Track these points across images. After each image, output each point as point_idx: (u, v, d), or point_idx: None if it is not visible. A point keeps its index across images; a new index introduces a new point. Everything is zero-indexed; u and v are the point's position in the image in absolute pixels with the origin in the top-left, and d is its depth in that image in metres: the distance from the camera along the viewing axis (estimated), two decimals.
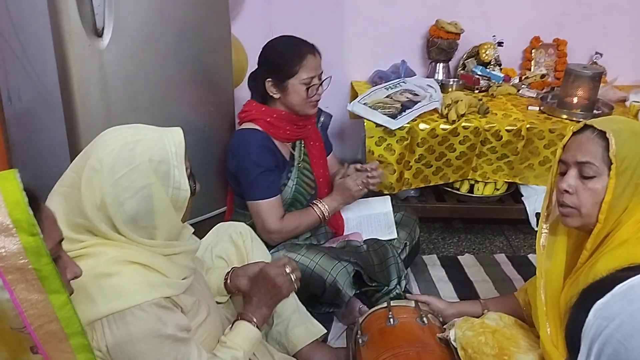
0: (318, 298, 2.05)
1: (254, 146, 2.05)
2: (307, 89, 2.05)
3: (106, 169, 1.22)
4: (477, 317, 1.70)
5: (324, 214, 2.14)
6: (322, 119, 2.35)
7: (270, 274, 1.57)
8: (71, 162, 2.05)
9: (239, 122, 2.17)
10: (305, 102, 2.08)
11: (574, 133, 1.42)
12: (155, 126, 1.33)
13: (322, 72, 2.11)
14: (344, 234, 2.33)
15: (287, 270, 1.58)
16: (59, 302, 0.98)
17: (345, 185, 2.16)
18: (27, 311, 0.94)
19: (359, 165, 2.23)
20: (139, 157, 1.23)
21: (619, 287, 0.74)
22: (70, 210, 1.24)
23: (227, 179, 2.20)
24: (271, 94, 2.09)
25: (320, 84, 2.10)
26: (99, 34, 1.90)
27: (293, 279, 1.59)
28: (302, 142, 2.22)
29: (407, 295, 2.01)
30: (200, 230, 1.59)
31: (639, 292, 0.73)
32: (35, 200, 0.99)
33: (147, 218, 1.25)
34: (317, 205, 2.15)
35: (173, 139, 1.29)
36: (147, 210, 1.24)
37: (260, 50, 2.13)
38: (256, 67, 2.15)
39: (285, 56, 2.05)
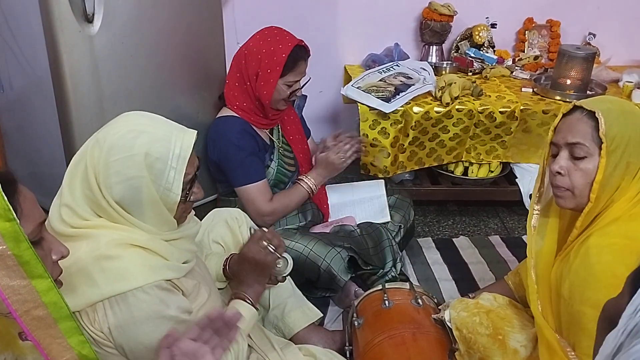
0: (314, 283, 2.06)
1: (234, 132, 2.06)
2: (289, 88, 2.06)
3: (105, 148, 1.23)
4: None
5: (311, 188, 2.15)
6: (296, 101, 2.34)
7: (249, 254, 1.57)
8: (64, 148, 2.07)
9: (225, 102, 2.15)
10: (281, 100, 2.08)
11: (564, 115, 1.42)
12: (175, 123, 1.33)
13: (305, 74, 2.12)
14: (337, 218, 2.33)
15: (264, 244, 1.58)
16: (43, 287, 0.97)
17: (329, 160, 2.15)
18: (10, 297, 0.94)
19: (334, 136, 2.21)
20: (138, 147, 1.23)
21: None
22: (83, 180, 1.26)
23: (209, 168, 2.18)
24: None
25: (301, 87, 2.13)
26: (89, 19, 1.88)
27: (272, 250, 1.58)
28: (279, 125, 2.24)
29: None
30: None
31: None
32: (12, 183, 0.97)
33: (134, 207, 1.26)
34: (303, 180, 2.15)
35: (182, 141, 1.28)
36: (135, 200, 1.25)
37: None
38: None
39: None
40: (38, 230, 1.02)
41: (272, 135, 2.20)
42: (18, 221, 0.93)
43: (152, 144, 1.25)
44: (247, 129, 2.09)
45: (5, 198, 0.92)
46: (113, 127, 1.28)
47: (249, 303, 1.53)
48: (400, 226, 2.33)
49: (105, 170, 1.23)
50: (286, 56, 2.00)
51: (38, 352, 1.01)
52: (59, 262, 1.08)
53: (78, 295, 1.20)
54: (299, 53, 2.05)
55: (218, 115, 2.15)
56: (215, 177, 2.20)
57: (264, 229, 1.70)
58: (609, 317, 0.72)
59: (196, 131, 1.33)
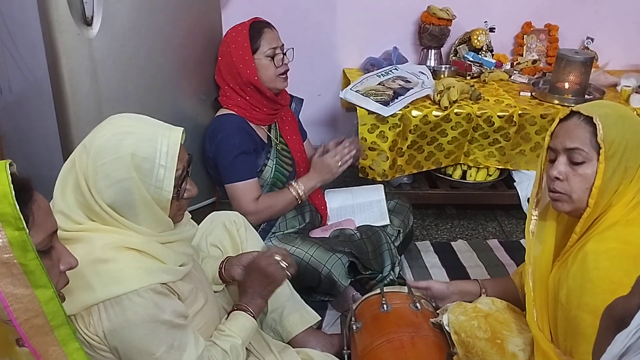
0: (314, 288, 2.06)
1: (231, 129, 2.09)
2: (273, 60, 2.10)
3: (92, 153, 1.23)
4: (475, 296, 1.73)
5: (299, 194, 2.12)
6: (293, 104, 2.38)
7: (261, 264, 1.58)
8: (62, 151, 2.07)
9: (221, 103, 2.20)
10: (274, 75, 2.11)
11: (561, 120, 1.42)
12: (162, 122, 1.32)
13: (283, 45, 2.16)
14: (336, 221, 2.34)
15: (278, 258, 1.59)
16: (45, 297, 0.96)
17: (324, 162, 2.14)
18: (12, 305, 0.93)
19: (336, 142, 2.21)
20: (124, 149, 1.23)
21: None
22: (75, 186, 1.26)
23: (206, 167, 2.20)
24: None
25: (284, 55, 2.15)
26: (88, 22, 1.88)
27: (285, 267, 1.59)
28: (277, 124, 2.26)
29: (408, 282, 1.93)
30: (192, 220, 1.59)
31: None
32: (28, 190, 0.97)
33: (127, 209, 1.26)
34: (292, 185, 2.13)
35: (168, 138, 1.27)
36: (127, 202, 1.25)
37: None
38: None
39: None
40: (48, 240, 1.01)
41: (270, 133, 2.21)
42: (27, 231, 0.93)
43: (139, 144, 1.24)
44: (244, 126, 2.12)
45: (17, 207, 0.92)
46: (99, 131, 1.27)
47: (250, 315, 1.53)
48: (399, 230, 2.32)
49: (94, 175, 1.23)
50: (247, 31, 2.09)
51: (34, 359, 1.00)
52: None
53: (74, 299, 1.20)
54: (260, 24, 2.13)
55: (216, 115, 2.18)
56: (214, 179, 2.21)
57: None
58: (617, 316, 0.72)
59: (183, 128, 1.31)
